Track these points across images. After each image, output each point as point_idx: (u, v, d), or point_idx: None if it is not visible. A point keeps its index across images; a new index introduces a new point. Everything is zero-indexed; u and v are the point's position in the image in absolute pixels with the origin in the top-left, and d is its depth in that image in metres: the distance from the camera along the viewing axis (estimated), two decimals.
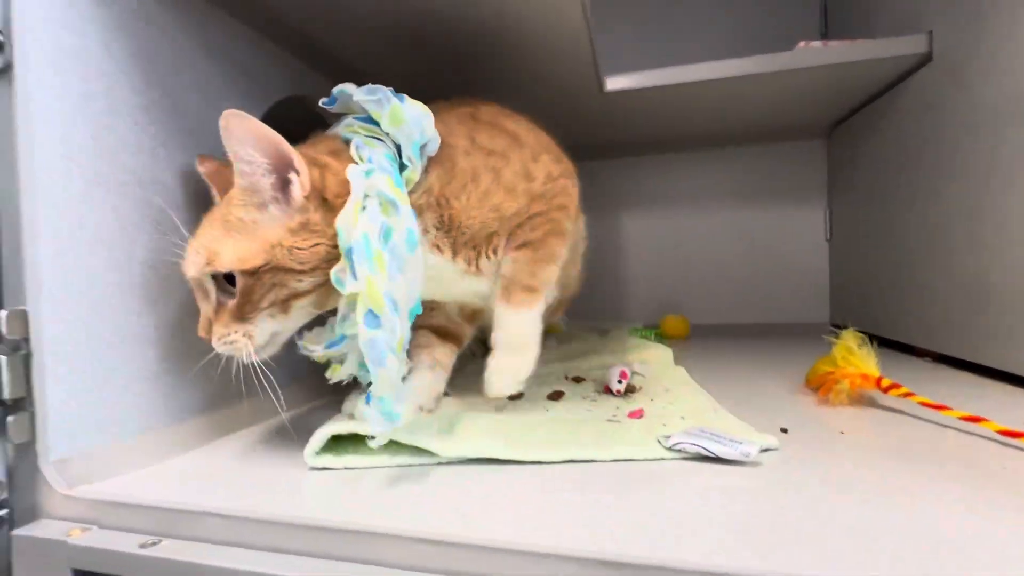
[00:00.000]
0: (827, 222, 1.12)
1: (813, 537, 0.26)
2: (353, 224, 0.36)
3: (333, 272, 0.37)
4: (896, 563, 0.24)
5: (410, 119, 0.41)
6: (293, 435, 0.46)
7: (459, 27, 0.61)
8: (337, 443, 0.41)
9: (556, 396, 0.57)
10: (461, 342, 0.58)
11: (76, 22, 0.38)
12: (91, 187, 0.39)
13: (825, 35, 1.11)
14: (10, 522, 0.35)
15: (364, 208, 0.37)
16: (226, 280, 0.38)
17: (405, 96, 0.42)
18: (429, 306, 0.53)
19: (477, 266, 0.48)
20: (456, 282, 0.49)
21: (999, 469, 0.35)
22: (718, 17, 1.18)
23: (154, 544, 0.31)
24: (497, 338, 0.48)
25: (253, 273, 0.37)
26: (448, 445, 0.39)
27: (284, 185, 0.38)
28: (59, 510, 0.35)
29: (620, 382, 0.58)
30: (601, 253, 1.26)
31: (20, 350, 0.35)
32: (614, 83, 0.81)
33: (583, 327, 1.10)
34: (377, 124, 0.42)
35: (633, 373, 0.66)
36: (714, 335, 1.06)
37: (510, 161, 0.48)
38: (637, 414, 0.49)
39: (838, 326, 0.58)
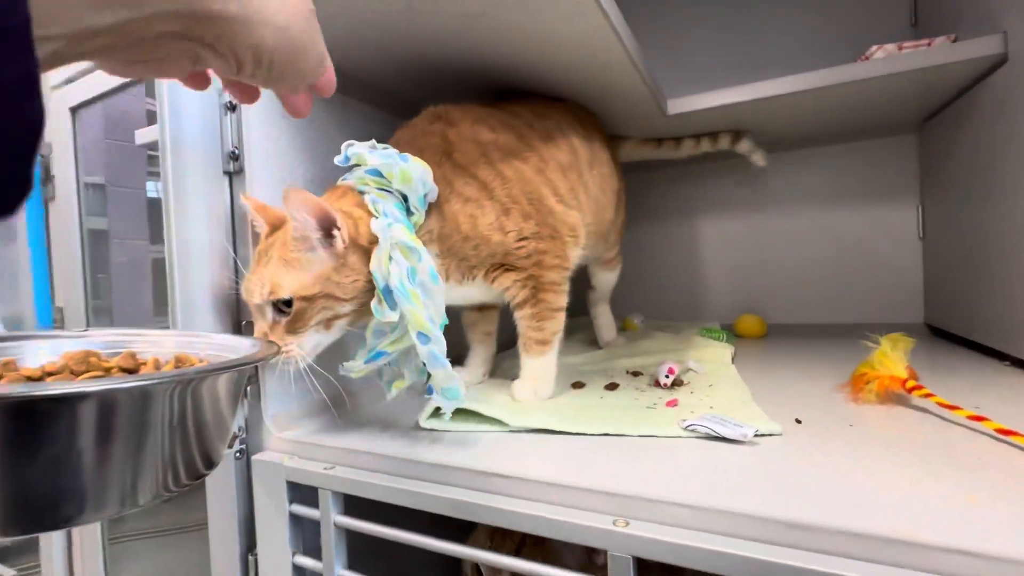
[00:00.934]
0: (920, 219, 1.08)
1: (768, 489, 0.36)
2: (385, 268, 0.46)
3: (373, 304, 0.47)
4: (820, 503, 0.34)
5: (416, 177, 0.51)
6: (411, 407, 0.64)
7: (509, 66, 0.71)
8: (441, 411, 0.57)
9: (612, 387, 0.69)
10: (496, 306, 0.74)
11: (272, 133, 0.59)
12: None
13: (915, 24, 1.07)
14: (247, 452, 0.57)
15: (391, 258, 0.46)
16: (284, 304, 0.48)
17: (408, 156, 0.51)
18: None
19: (470, 280, 0.61)
20: (455, 290, 0.61)
21: (971, 456, 0.41)
22: (804, 7, 1.18)
23: (331, 468, 0.50)
24: (523, 370, 0.64)
25: (308, 299, 0.48)
26: (516, 417, 0.54)
27: (328, 236, 0.49)
28: (275, 446, 0.56)
29: (667, 376, 0.69)
30: (678, 256, 1.32)
31: None
32: (676, 107, 0.89)
33: (658, 326, 1.19)
34: (384, 178, 0.51)
35: (687, 370, 0.75)
36: (793, 334, 1.09)
37: (484, 211, 0.58)
38: (673, 403, 0.59)
39: (933, 327, 0.62)
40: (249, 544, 0.56)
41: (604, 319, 0.98)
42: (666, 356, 0.85)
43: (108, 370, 0.33)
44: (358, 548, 0.51)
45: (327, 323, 0.50)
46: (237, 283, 0.57)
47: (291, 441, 0.55)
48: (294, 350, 0.49)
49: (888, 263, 1.12)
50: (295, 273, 0.48)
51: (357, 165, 0.53)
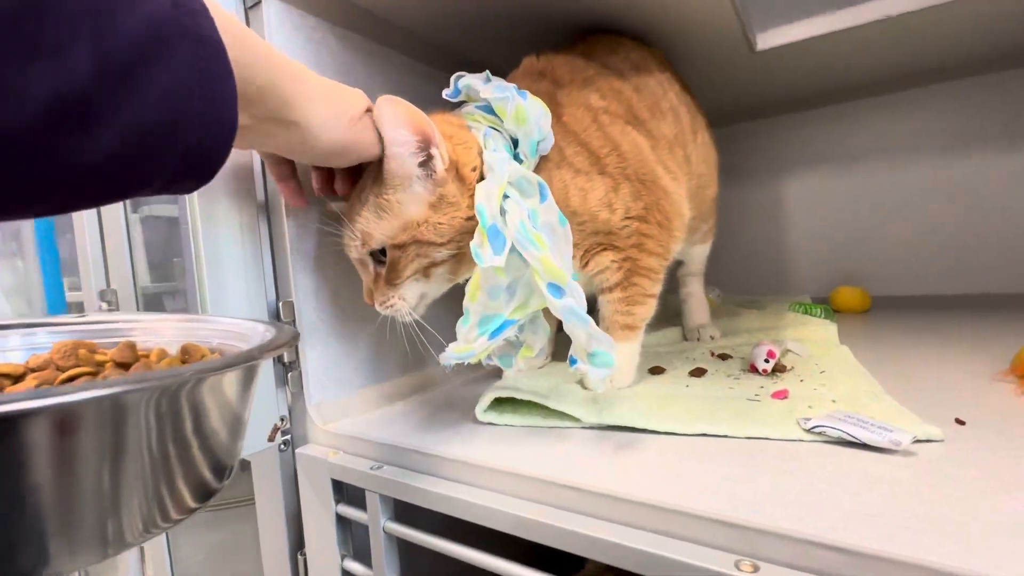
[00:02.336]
0: None
1: (946, 522, 0.26)
2: (496, 204, 0.39)
3: (473, 245, 0.39)
4: None
5: (532, 118, 0.44)
6: (468, 397, 0.57)
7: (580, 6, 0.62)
8: (499, 404, 0.50)
9: (698, 373, 0.59)
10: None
11: None
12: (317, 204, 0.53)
13: None
14: (293, 443, 0.52)
15: (507, 195, 0.40)
16: (380, 253, 0.44)
17: (527, 93, 0.45)
18: None
19: None
20: None
21: None
22: None
23: (379, 468, 0.44)
24: None
25: (400, 247, 0.43)
26: (590, 412, 0.45)
27: (427, 161, 0.42)
28: (319, 438, 0.51)
29: (767, 360, 0.58)
30: (760, 221, 1.17)
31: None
32: (766, 40, 0.75)
33: (739, 302, 1.06)
34: (495, 115, 0.45)
35: (786, 352, 0.64)
36: (903, 308, 0.93)
37: (595, 186, 0.50)
38: (781, 394, 0.49)
39: None
40: (298, 543, 0.52)
41: (695, 301, 0.82)
42: (755, 336, 0.74)
43: (101, 364, 0.28)
44: (416, 555, 0.45)
45: (425, 271, 0.45)
46: (273, 256, 0.51)
47: (336, 434, 0.49)
48: (396, 302, 0.45)
49: (1021, 222, 0.93)
50: (387, 218, 0.43)
51: (465, 102, 0.48)
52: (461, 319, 0.42)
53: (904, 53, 0.83)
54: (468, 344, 0.41)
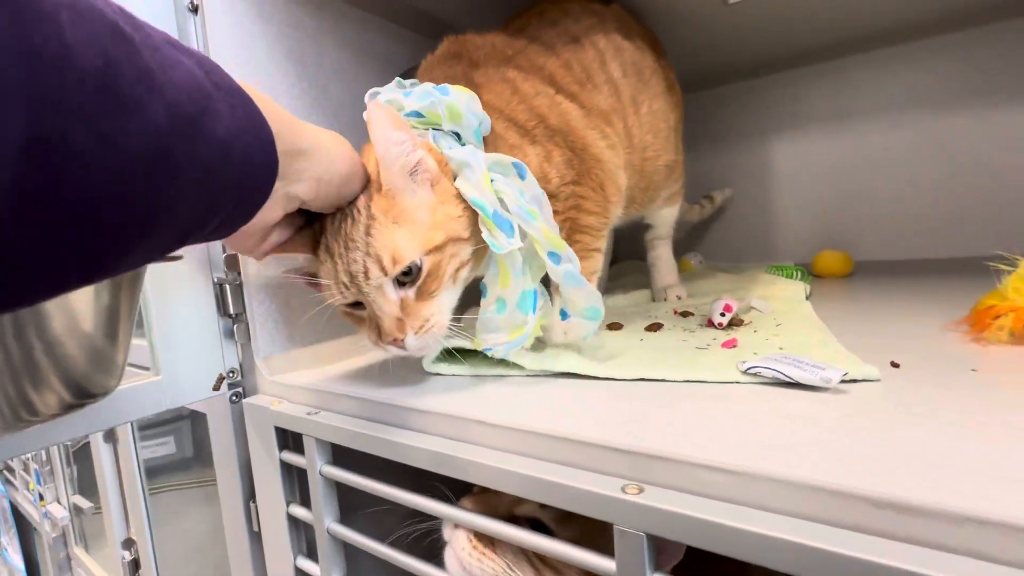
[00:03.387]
0: None
1: (856, 453, 0.25)
2: (490, 191, 0.39)
3: (486, 237, 0.38)
4: (934, 475, 0.23)
5: (464, 109, 0.42)
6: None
7: None
8: (449, 356, 0.49)
9: (654, 328, 0.58)
10: None
11: (246, 39, 0.51)
12: None
13: None
14: (243, 395, 0.53)
15: (493, 180, 0.40)
16: (405, 273, 0.38)
17: (447, 87, 0.43)
18: None
19: None
20: None
21: None
22: None
23: (315, 413, 0.44)
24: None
25: (439, 248, 0.38)
26: (535, 360, 0.45)
27: (418, 161, 0.40)
28: (267, 389, 0.51)
29: (723, 315, 0.57)
30: (746, 185, 1.15)
31: (236, 280, 0.51)
32: None
33: (719, 268, 1.04)
34: (427, 119, 0.43)
35: (749, 308, 0.63)
36: (888, 272, 0.91)
37: (528, 157, 0.49)
38: (730, 343, 0.48)
39: None
40: (251, 492, 0.53)
41: (663, 264, 0.81)
42: (721, 295, 0.73)
43: None
44: (362, 501, 0.46)
45: (453, 276, 0.41)
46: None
47: (282, 384, 0.50)
48: (435, 318, 0.40)
49: (1017, 182, 0.90)
50: (410, 227, 0.38)
51: None
52: (493, 310, 0.42)
53: (890, 5, 0.79)
54: (519, 327, 0.42)
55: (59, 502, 1.09)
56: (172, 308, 0.47)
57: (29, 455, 1.19)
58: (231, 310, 0.51)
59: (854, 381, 0.36)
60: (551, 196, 0.50)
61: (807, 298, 0.68)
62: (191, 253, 0.49)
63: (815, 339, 0.47)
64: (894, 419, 0.29)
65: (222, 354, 0.51)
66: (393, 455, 0.38)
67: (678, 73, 0.77)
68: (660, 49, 0.74)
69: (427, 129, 0.43)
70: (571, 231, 0.53)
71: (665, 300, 0.76)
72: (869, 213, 1.02)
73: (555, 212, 0.51)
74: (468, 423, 0.35)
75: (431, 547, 0.41)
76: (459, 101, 0.42)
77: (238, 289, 0.51)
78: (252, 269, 0.51)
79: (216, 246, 0.51)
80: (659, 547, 0.26)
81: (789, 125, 1.08)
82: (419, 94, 0.42)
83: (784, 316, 0.59)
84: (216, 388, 0.50)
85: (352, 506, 0.46)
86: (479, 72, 0.52)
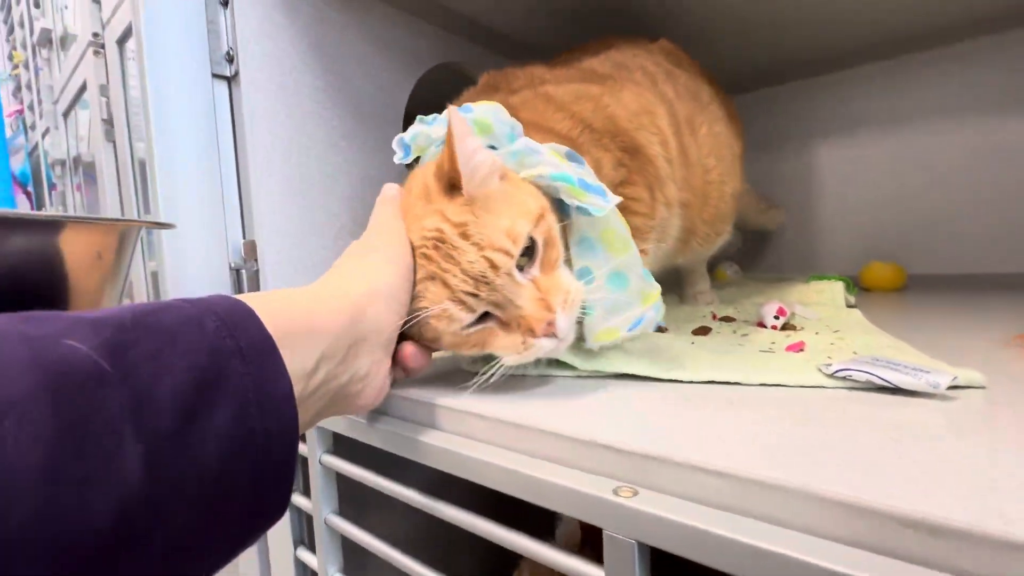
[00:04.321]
0: None
1: (995, 487, 0.20)
2: (564, 163, 0.37)
3: (580, 205, 0.35)
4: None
5: (492, 119, 0.39)
6: None
7: None
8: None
9: (702, 331, 0.53)
10: None
11: (272, 32, 0.52)
12: (288, 152, 0.53)
13: None
14: None
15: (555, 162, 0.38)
16: (522, 253, 0.34)
17: (468, 104, 0.40)
18: None
19: None
20: None
21: None
22: None
23: None
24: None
25: (541, 217, 0.35)
26: (587, 361, 0.41)
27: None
28: None
29: (777, 317, 0.53)
30: (788, 192, 1.09)
31: (253, 267, 0.52)
32: None
33: (759, 279, 0.99)
34: None
35: (793, 315, 0.58)
36: (946, 287, 0.83)
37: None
38: (797, 347, 0.43)
39: None
40: None
41: (698, 273, 0.76)
42: (757, 299, 0.68)
43: None
44: (371, 498, 0.45)
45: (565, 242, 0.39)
46: (243, 224, 0.52)
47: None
48: (575, 286, 0.36)
49: None
50: (502, 210, 0.34)
51: (419, 158, 0.42)
52: (611, 288, 0.38)
53: (941, 2, 0.74)
54: (650, 294, 0.38)
55: None
56: (187, 292, 0.47)
57: None
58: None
59: (959, 387, 0.32)
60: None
61: (850, 307, 0.63)
62: (208, 239, 0.49)
63: (884, 344, 0.43)
64: (1002, 436, 0.26)
65: None
66: (385, 445, 0.36)
67: (719, 75, 0.74)
68: (717, 82, 0.71)
69: None
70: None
71: (695, 303, 0.72)
72: (923, 223, 0.95)
73: None
74: (468, 416, 0.34)
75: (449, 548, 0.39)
76: (485, 114, 0.40)
77: (255, 276, 0.52)
78: (270, 257, 0.52)
79: (234, 230, 0.52)
80: None
81: (836, 129, 1.02)
82: (443, 120, 0.40)
83: (836, 323, 0.54)
84: None
85: (373, 502, 0.45)
86: (516, 96, 0.50)
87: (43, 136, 1.16)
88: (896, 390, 0.32)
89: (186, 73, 0.48)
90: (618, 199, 0.36)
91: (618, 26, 0.77)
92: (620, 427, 0.28)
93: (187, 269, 0.47)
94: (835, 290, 0.65)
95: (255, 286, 0.52)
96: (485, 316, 0.35)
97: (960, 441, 0.25)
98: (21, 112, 1.36)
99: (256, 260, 0.52)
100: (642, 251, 0.51)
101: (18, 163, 1.35)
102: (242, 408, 0.21)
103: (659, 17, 0.75)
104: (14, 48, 1.31)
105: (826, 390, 0.34)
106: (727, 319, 0.60)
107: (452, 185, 0.35)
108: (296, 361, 0.25)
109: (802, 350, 0.43)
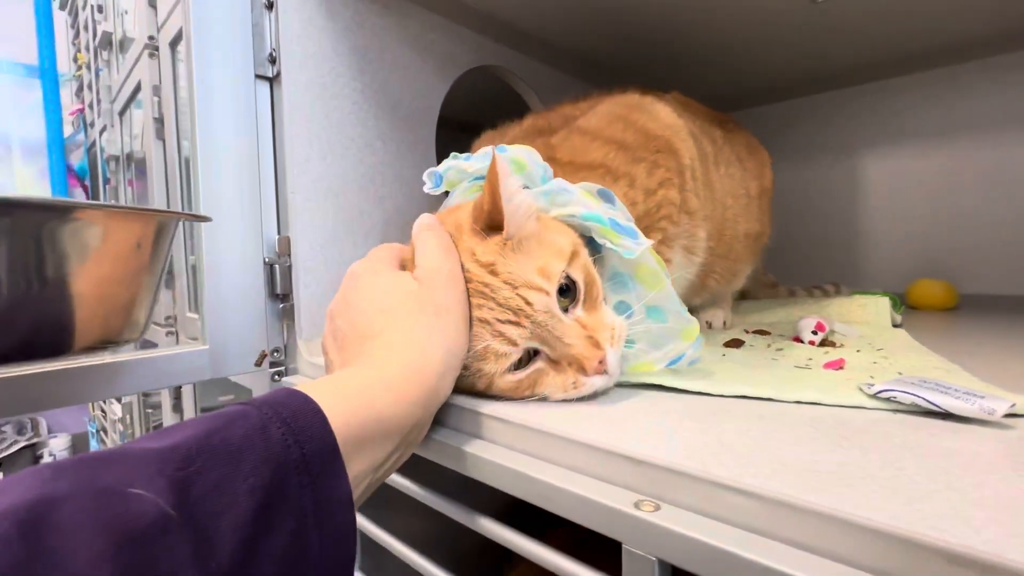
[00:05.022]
0: None
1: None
2: (595, 204, 0.37)
3: (611, 247, 0.35)
4: None
5: (527, 159, 0.39)
6: None
7: None
8: None
9: (734, 344, 0.52)
10: None
11: (314, 34, 0.53)
12: (324, 152, 0.55)
13: None
14: (284, 374, 0.54)
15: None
16: (562, 292, 0.34)
17: (503, 145, 0.40)
18: None
19: None
20: None
21: None
22: None
23: None
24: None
25: (575, 255, 0.35)
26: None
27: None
28: (306, 371, 0.53)
29: (815, 332, 0.51)
30: (831, 203, 1.05)
31: (287, 263, 0.53)
32: None
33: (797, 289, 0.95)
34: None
35: (831, 332, 0.56)
36: (997, 309, 0.78)
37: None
38: (836, 364, 0.41)
39: None
40: None
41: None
42: (792, 313, 0.66)
43: None
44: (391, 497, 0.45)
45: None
46: (279, 220, 0.53)
47: (320, 366, 0.51)
48: (619, 322, 0.36)
49: None
50: (534, 250, 0.34)
51: (447, 193, 0.43)
52: (651, 322, 0.37)
53: (1009, 5, 0.69)
54: (690, 329, 0.37)
55: None
56: (223, 283, 0.49)
57: (116, 417, 1.32)
58: (279, 290, 0.53)
59: (1017, 415, 0.29)
60: (639, 219, 0.46)
61: (896, 326, 0.60)
62: (244, 233, 0.51)
63: (932, 364, 0.41)
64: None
65: (266, 332, 0.52)
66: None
67: (760, 81, 0.72)
68: (731, 122, 0.71)
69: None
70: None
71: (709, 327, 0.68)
72: (976, 240, 0.90)
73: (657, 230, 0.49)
74: (487, 419, 0.33)
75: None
76: (519, 153, 0.39)
77: (287, 271, 0.53)
78: (303, 253, 0.53)
79: (270, 226, 0.53)
80: None
81: (884, 138, 0.97)
82: (478, 157, 0.41)
83: (880, 341, 0.51)
84: (258, 364, 0.51)
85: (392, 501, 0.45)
86: (555, 137, 0.50)
87: (100, 133, 1.22)
88: (946, 415, 0.30)
89: (230, 74, 0.49)
90: (650, 242, 0.35)
91: (655, 33, 0.76)
92: (643, 438, 0.27)
93: (223, 262, 0.49)
94: (880, 307, 0.62)
95: (287, 280, 0.53)
96: (534, 356, 0.34)
97: (1017, 475, 0.23)
98: (82, 111, 1.44)
99: (289, 255, 0.53)
100: (667, 260, 0.51)
101: (77, 159, 1.44)
102: (299, 524, 0.22)
103: (698, 22, 0.74)
104: (79, 51, 1.39)
105: (867, 411, 0.32)
106: (761, 332, 0.58)
107: (492, 225, 0.35)
108: (364, 462, 0.25)
109: (841, 368, 0.41)
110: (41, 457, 2.08)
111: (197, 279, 0.48)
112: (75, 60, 1.46)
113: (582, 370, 0.33)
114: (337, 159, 0.56)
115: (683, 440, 0.27)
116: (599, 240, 0.36)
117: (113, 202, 1.14)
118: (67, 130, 1.51)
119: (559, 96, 0.66)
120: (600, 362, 0.33)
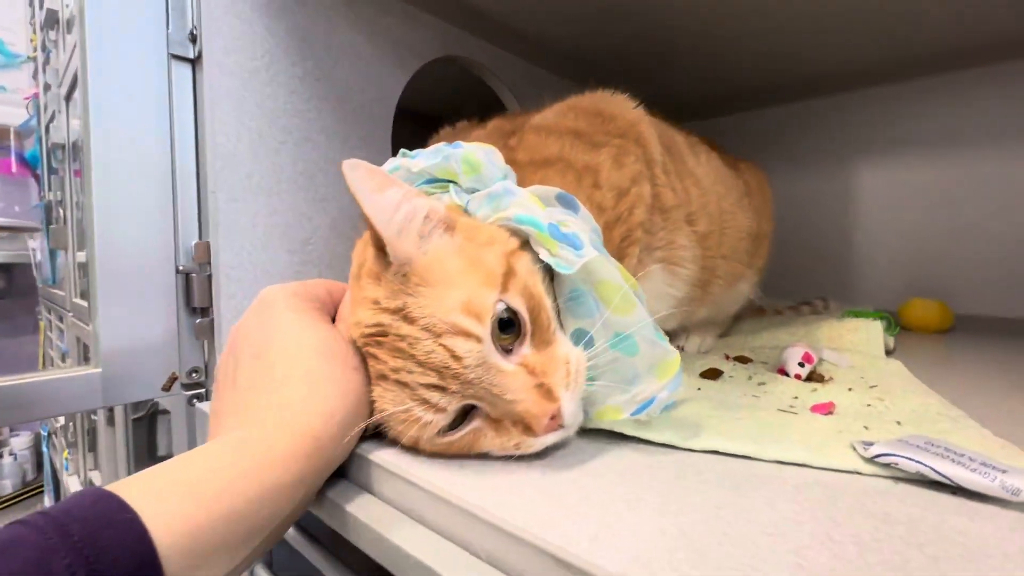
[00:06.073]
0: None
1: None
2: (538, 207, 0.31)
3: (546, 259, 0.29)
4: None
5: (483, 159, 0.34)
6: None
7: None
8: None
9: (712, 374, 0.46)
10: None
11: (244, 11, 0.47)
12: (255, 145, 0.48)
13: None
14: (205, 398, 0.48)
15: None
16: (502, 327, 0.28)
17: (459, 142, 0.35)
18: None
19: None
20: None
21: None
22: None
23: None
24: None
25: (510, 274, 0.29)
26: None
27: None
28: None
29: (802, 364, 0.45)
30: (821, 215, 1.00)
31: (206, 272, 0.46)
32: None
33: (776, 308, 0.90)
34: (442, 182, 0.35)
35: (821, 361, 0.50)
36: (993, 331, 0.74)
37: (577, 191, 0.40)
38: (824, 408, 0.36)
39: None
40: None
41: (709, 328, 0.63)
42: (780, 337, 0.60)
43: None
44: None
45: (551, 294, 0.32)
46: (200, 221, 0.46)
47: None
48: (576, 355, 0.29)
49: None
50: (454, 278, 0.28)
51: None
52: (616, 355, 0.30)
53: (1007, 10, 0.64)
54: (669, 362, 0.30)
55: (78, 475, 1.12)
56: (125, 295, 0.42)
57: (59, 424, 1.24)
58: (196, 303, 0.46)
59: None
60: (608, 226, 0.40)
61: (889, 353, 0.55)
62: (151, 238, 0.44)
63: (934, 410, 0.35)
64: None
65: (179, 351, 0.46)
66: None
67: (750, 87, 0.67)
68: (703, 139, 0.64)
69: (439, 191, 0.35)
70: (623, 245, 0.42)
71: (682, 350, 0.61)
72: (974, 258, 0.85)
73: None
74: (372, 467, 0.27)
75: None
76: (475, 151, 0.34)
77: (207, 281, 0.46)
78: (227, 261, 0.46)
79: (184, 230, 0.46)
80: None
81: (880, 147, 0.93)
82: (427, 154, 0.35)
83: (872, 374, 0.46)
84: (166, 389, 0.45)
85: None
86: (513, 139, 0.44)
87: (51, 120, 1.14)
88: (957, 489, 0.24)
89: (135, 52, 0.43)
90: (595, 253, 0.28)
91: (641, 28, 0.71)
92: (583, 520, 0.21)
93: (123, 270, 0.42)
94: (872, 332, 0.56)
95: (206, 291, 0.46)
96: (471, 411, 0.28)
97: None
98: (37, 95, 1.36)
99: (210, 263, 0.46)
100: (637, 276, 0.44)
101: (31, 146, 1.35)
102: None
103: (687, 18, 0.68)
104: (34, 31, 1.31)
105: (862, 478, 0.27)
106: (742, 360, 0.53)
107: (381, 249, 0.28)
108: (216, 571, 0.20)
109: (831, 412, 0.36)
110: (1, 456, 1.99)
111: (89, 290, 0.41)
112: (32, 41, 1.37)
113: (529, 431, 0.27)
114: (270, 154, 0.49)
115: (633, 526, 0.21)
116: (535, 248, 0.30)
117: (66, 198, 1.06)
118: (23, 115, 1.42)
119: (537, 94, 0.60)
120: (553, 417, 0.27)
